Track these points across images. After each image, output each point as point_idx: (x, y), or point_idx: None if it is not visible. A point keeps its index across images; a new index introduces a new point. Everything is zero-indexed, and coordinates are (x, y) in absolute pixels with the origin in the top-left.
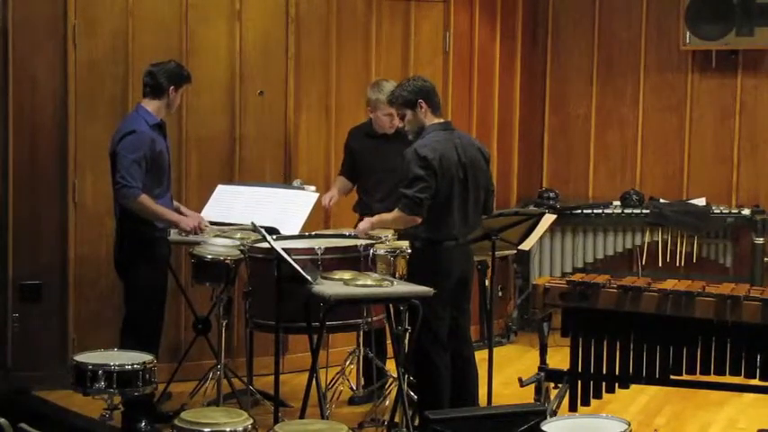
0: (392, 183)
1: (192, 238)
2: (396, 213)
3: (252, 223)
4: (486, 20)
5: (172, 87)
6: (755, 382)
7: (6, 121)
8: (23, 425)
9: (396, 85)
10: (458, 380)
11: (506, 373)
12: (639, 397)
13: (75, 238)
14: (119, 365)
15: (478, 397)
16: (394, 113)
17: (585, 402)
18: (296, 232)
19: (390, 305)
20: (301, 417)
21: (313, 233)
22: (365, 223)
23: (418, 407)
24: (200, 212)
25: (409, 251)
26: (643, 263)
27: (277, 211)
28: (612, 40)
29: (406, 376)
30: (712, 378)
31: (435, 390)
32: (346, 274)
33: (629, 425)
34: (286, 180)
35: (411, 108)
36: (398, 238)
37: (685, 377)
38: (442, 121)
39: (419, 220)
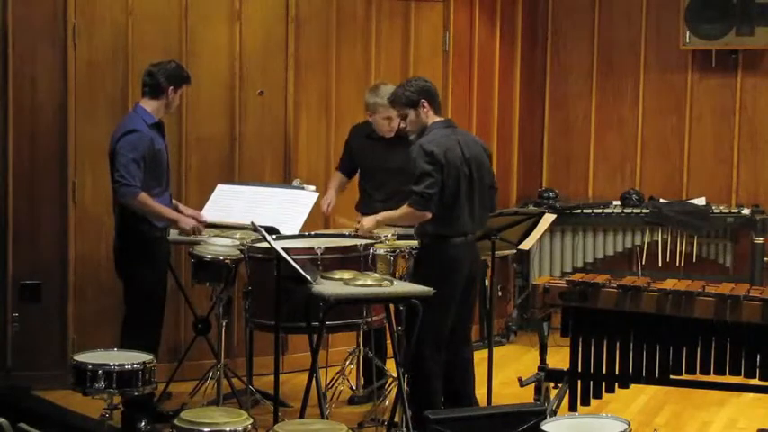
0: (394, 184)
1: (191, 237)
2: (405, 209)
3: (252, 223)
4: (486, 20)
5: (171, 88)
6: (755, 381)
7: (6, 121)
8: (23, 425)
9: (394, 87)
10: (456, 380)
11: (506, 373)
12: (639, 397)
13: (75, 237)
14: (118, 365)
15: (475, 397)
16: (393, 117)
17: (585, 402)
18: (296, 232)
19: (390, 305)
20: (301, 416)
21: (313, 233)
22: (370, 220)
23: (410, 406)
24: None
25: (409, 251)
26: (643, 263)
27: (277, 210)
28: (612, 40)
29: (406, 376)
30: (712, 378)
31: (428, 390)
32: (346, 274)
33: (629, 425)
34: (286, 180)
35: (413, 108)
36: (398, 238)
37: (685, 377)
38: (443, 119)
39: (429, 215)
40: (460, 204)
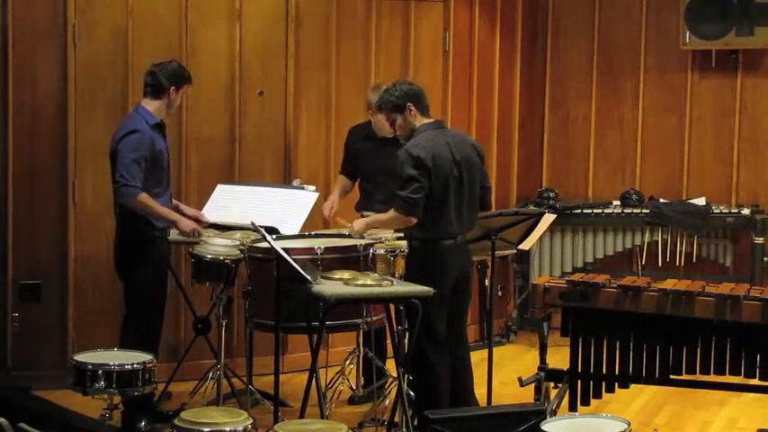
0: (393, 185)
1: (190, 239)
2: (391, 214)
3: (252, 223)
4: (485, 20)
5: (172, 88)
6: (755, 381)
7: (6, 121)
8: (23, 425)
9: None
10: (453, 380)
11: (506, 373)
12: (639, 397)
13: (74, 237)
14: (118, 365)
15: (474, 396)
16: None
17: (585, 402)
18: (296, 232)
19: (390, 305)
20: (301, 416)
21: (313, 233)
22: (360, 223)
23: (416, 407)
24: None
25: (407, 251)
26: (643, 263)
27: (277, 210)
28: (612, 40)
29: (406, 376)
30: (712, 378)
31: (433, 390)
32: (346, 274)
33: (629, 425)
34: (286, 180)
35: (400, 112)
36: (398, 238)
37: (685, 377)
38: (432, 120)
39: (414, 220)
40: (449, 207)
